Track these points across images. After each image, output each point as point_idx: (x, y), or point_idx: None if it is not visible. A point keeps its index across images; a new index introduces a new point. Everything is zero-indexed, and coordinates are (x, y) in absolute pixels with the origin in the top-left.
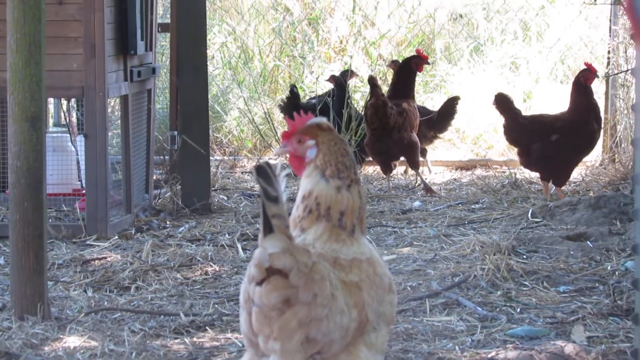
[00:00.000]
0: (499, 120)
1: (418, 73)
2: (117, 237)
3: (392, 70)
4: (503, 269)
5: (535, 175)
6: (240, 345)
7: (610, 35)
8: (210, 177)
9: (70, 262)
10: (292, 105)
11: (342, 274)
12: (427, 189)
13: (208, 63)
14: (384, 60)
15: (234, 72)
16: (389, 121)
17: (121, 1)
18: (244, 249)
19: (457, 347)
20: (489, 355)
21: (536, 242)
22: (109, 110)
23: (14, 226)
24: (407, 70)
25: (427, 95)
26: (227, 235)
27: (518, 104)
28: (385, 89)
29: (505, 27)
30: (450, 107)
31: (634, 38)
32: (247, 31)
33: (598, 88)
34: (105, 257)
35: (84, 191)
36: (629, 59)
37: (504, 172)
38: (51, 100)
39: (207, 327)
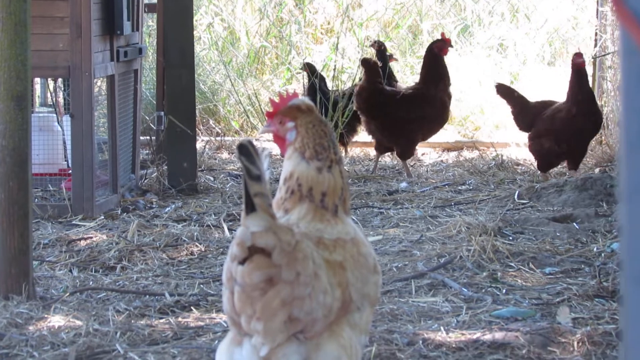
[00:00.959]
0: (486, 101)
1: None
2: (103, 217)
3: (373, 50)
4: (489, 250)
5: (521, 156)
6: (225, 325)
7: (597, 17)
8: (197, 157)
9: (55, 241)
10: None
11: (325, 253)
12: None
13: (195, 43)
14: (369, 40)
15: (220, 52)
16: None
17: None
18: (229, 229)
19: (442, 328)
20: (474, 336)
21: (522, 223)
22: (96, 90)
23: None
24: (431, 56)
25: (414, 78)
26: (213, 216)
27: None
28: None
29: (493, 8)
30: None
31: (617, 18)
32: (234, 12)
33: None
34: (91, 237)
35: (70, 171)
36: (616, 40)
37: (491, 153)
38: (38, 80)
39: (192, 307)
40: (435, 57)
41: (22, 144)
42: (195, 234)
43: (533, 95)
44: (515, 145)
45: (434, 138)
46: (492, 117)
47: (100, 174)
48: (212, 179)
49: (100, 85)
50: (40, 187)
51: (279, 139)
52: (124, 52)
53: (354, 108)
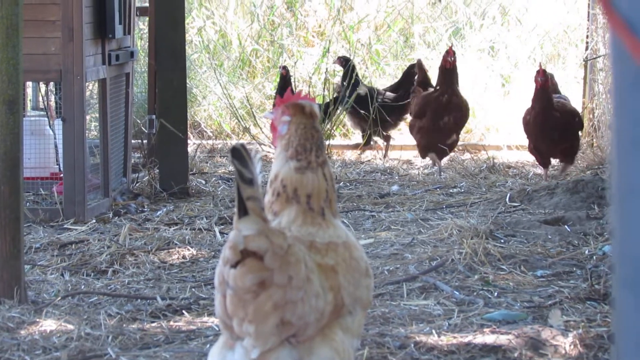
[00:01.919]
0: (477, 104)
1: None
2: (94, 220)
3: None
4: (480, 253)
5: (513, 159)
6: (217, 329)
7: (588, 20)
8: (188, 161)
9: (47, 245)
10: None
11: (317, 257)
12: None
13: (186, 47)
14: (362, 44)
15: (212, 56)
16: None
17: None
18: (221, 233)
19: (434, 331)
20: (466, 340)
21: (514, 226)
22: (87, 93)
23: None
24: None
25: None
26: (204, 219)
27: (496, 88)
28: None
29: (484, 11)
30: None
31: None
32: (226, 15)
33: (577, 73)
34: (83, 241)
35: (61, 175)
36: (607, 43)
37: (483, 156)
38: (29, 84)
39: (183, 311)
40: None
41: (13, 148)
42: (187, 237)
43: (525, 98)
44: (507, 148)
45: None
46: (484, 120)
47: (92, 178)
48: (203, 182)
49: (92, 88)
50: (32, 191)
51: (274, 129)
52: (116, 55)
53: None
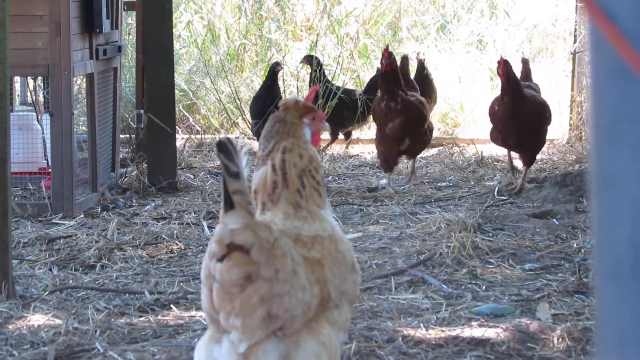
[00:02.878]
0: (466, 98)
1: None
2: (82, 215)
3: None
4: (469, 246)
5: (501, 153)
6: (205, 323)
7: (576, 12)
8: (177, 155)
9: (35, 240)
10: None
11: (304, 250)
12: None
13: (174, 41)
14: (350, 38)
15: (200, 50)
16: None
17: None
18: (209, 227)
19: (422, 325)
20: (454, 333)
21: (502, 219)
22: (75, 88)
23: None
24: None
25: None
26: (193, 214)
27: (484, 82)
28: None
29: (472, 5)
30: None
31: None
32: (213, 10)
33: (565, 66)
34: (71, 236)
35: (49, 170)
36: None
37: (471, 150)
38: (17, 79)
39: (171, 305)
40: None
41: (0, 143)
42: (175, 232)
43: None
44: None
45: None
46: (472, 113)
47: (80, 173)
48: (192, 176)
49: (79, 83)
50: (20, 186)
51: None
52: (103, 50)
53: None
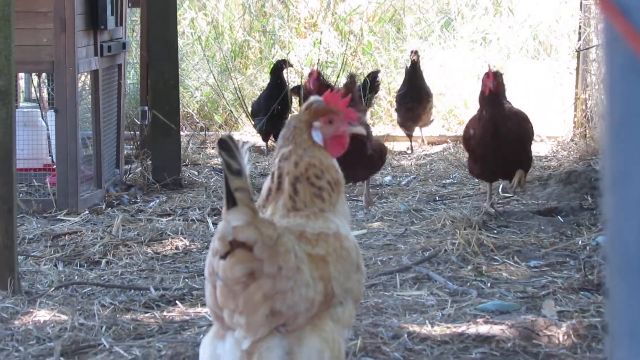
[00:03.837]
0: (470, 95)
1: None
2: (87, 211)
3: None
4: (474, 243)
5: None
6: (210, 319)
7: (581, 10)
8: (181, 152)
9: (40, 236)
10: None
11: (308, 247)
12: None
13: (178, 38)
14: (354, 35)
15: (204, 47)
16: None
17: None
18: (214, 224)
19: (427, 322)
20: (460, 330)
21: (507, 217)
22: (79, 85)
23: None
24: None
25: (398, 71)
26: (197, 210)
27: None
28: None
29: (476, 2)
30: (371, 83)
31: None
32: (217, 6)
33: (570, 63)
34: (76, 232)
35: (54, 166)
36: (599, 33)
37: None
38: (22, 75)
39: (177, 302)
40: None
41: (6, 139)
42: (180, 228)
43: (517, 89)
44: None
45: (418, 132)
46: (476, 111)
47: (85, 169)
48: (196, 173)
49: (84, 80)
50: (25, 182)
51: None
52: (108, 46)
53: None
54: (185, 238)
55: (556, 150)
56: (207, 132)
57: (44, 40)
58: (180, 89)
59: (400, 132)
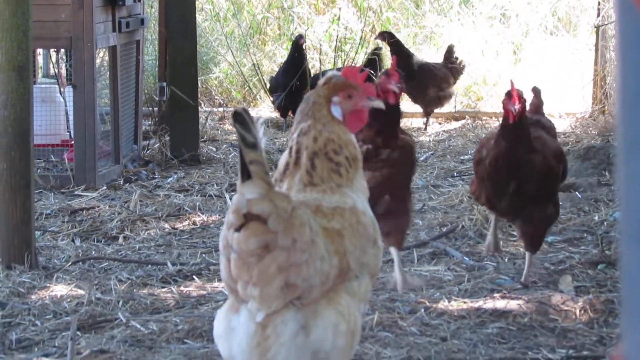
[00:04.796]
0: (488, 71)
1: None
2: (105, 187)
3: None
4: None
5: None
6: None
7: None
8: (199, 128)
9: (58, 212)
10: None
11: (323, 220)
12: None
13: (197, 14)
14: (373, 12)
15: (222, 23)
16: None
17: None
18: (231, 200)
19: (444, 297)
20: (477, 305)
21: None
22: (98, 61)
23: (0, 176)
24: None
25: (417, 47)
26: (215, 186)
27: (507, 56)
28: None
29: None
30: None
31: None
32: None
33: (588, 40)
34: (93, 207)
35: (72, 142)
36: (614, 2)
37: (494, 123)
38: (40, 51)
39: (194, 276)
40: None
41: (23, 114)
42: (198, 204)
43: (536, 65)
44: None
45: (437, 109)
46: (495, 87)
47: (103, 145)
48: (214, 149)
49: (102, 56)
50: (43, 158)
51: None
52: (126, 22)
53: None
54: (202, 214)
55: (575, 127)
56: (225, 108)
57: (62, 16)
58: (199, 65)
59: (417, 108)
